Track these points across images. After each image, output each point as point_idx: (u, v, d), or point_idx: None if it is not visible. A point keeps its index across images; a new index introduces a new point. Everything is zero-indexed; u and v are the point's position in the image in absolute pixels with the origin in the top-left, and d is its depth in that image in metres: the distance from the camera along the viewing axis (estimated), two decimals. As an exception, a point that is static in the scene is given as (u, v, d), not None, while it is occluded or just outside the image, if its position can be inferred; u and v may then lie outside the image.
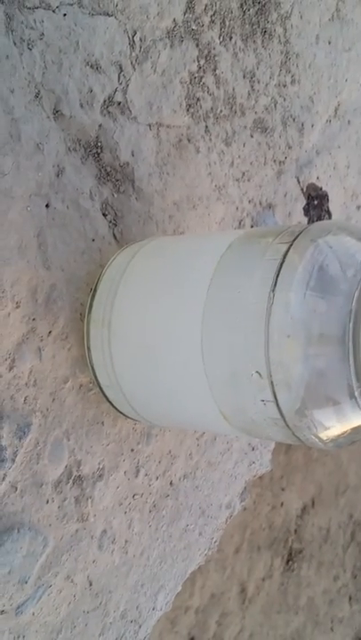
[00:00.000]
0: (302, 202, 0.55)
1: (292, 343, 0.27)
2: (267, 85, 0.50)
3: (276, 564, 0.73)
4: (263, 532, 0.68)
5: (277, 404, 0.28)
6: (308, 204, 0.56)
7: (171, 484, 0.42)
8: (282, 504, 0.72)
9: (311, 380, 0.28)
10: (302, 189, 0.55)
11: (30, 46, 0.32)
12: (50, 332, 0.33)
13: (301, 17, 0.53)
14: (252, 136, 0.49)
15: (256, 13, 0.48)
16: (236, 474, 0.48)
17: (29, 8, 0.32)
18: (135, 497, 0.39)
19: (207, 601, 0.86)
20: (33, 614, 0.33)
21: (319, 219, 0.58)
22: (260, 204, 0.50)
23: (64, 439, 0.34)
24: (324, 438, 0.29)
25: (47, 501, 0.33)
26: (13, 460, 0.31)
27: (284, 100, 0.52)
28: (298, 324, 0.27)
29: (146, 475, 0.40)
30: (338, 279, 0.28)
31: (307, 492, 0.77)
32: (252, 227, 0.49)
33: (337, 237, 0.29)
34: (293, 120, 0.53)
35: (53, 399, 0.34)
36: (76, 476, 0.35)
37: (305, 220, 0.56)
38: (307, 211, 0.56)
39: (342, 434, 0.29)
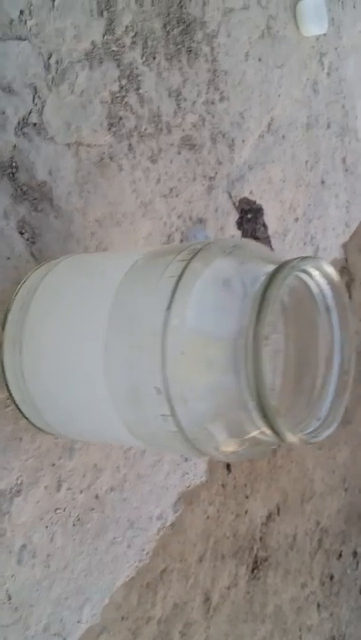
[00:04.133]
0: (235, 216, 0.56)
1: (186, 359, 0.28)
2: (194, 103, 0.51)
3: (242, 573, 0.73)
4: (227, 541, 0.68)
5: (176, 419, 0.29)
6: (241, 217, 0.57)
7: (96, 497, 0.42)
8: (246, 512, 0.73)
9: (206, 395, 0.29)
10: (234, 204, 0.56)
11: None
12: None
13: (229, 35, 0.54)
14: (179, 153, 0.50)
15: (181, 33, 0.49)
16: (167, 485, 0.48)
17: None
18: (57, 511, 0.39)
19: (170, 611, 0.86)
20: None
21: (254, 232, 0.59)
22: (191, 218, 0.51)
23: (-21, 456, 0.35)
24: (224, 450, 0.30)
25: None
26: None
27: (213, 117, 0.53)
28: (191, 340, 0.28)
29: (69, 489, 0.40)
30: (232, 297, 0.29)
31: (272, 500, 0.78)
32: (181, 241, 0.50)
33: (234, 256, 0.30)
34: (223, 136, 0.54)
35: (-33, 416, 0.34)
36: (-8, 492, 0.35)
37: (238, 233, 0.57)
38: (240, 224, 0.57)
39: (241, 445, 0.30)
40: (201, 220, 0.52)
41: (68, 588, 0.40)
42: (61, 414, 0.34)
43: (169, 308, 0.28)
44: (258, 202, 0.60)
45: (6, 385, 0.35)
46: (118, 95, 0.44)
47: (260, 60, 0.58)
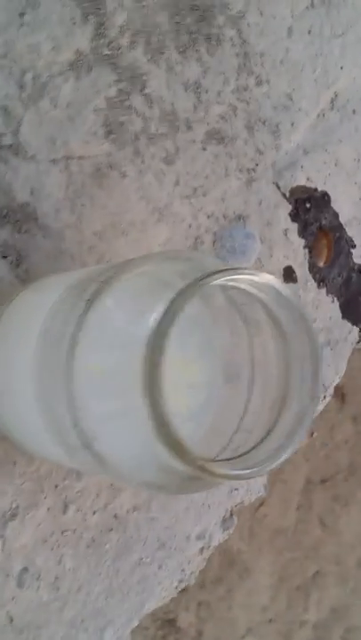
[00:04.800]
0: (286, 208, 0.51)
1: (89, 389, 0.26)
2: (220, 93, 0.47)
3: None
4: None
5: (92, 451, 0.27)
6: (296, 208, 0.52)
7: (115, 516, 0.41)
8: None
9: (110, 424, 0.26)
10: (284, 194, 0.51)
11: None
12: None
13: (262, 13, 0.50)
14: (204, 149, 0.47)
15: (195, 21, 0.46)
16: (209, 502, 0.46)
17: None
18: (65, 533, 0.39)
19: (327, 615, 0.83)
20: None
21: (318, 222, 0.54)
22: (225, 217, 0.48)
23: (-36, 481, 0.35)
24: (151, 484, 0.27)
25: None
26: None
27: (248, 104, 0.49)
28: (91, 371, 0.26)
29: (78, 510, 0.39)
30: (127, 329, 0.26)
31: None
32: (214, 242, 0.47)
33: (133, 281, 0.27)
34: (263, 123, 0.50)
35: None
36: (-18, 517, 0.36)
37: (294, 226, 0.52)
38: (295, 216, 0.52)
39: (170, 479, 0.27)
40: (240, 217, 0.49)
41: (84, 611, 0.40)
42: (23, 441, 0.33)
43: (72, 339, 0.26)
44: (320, 188, 0.54)
45: (-15, 410, 0.35)
46: (117, 100, 0.42)
47: (309, 32, 0.53)
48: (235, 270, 0.24)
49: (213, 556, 0.65)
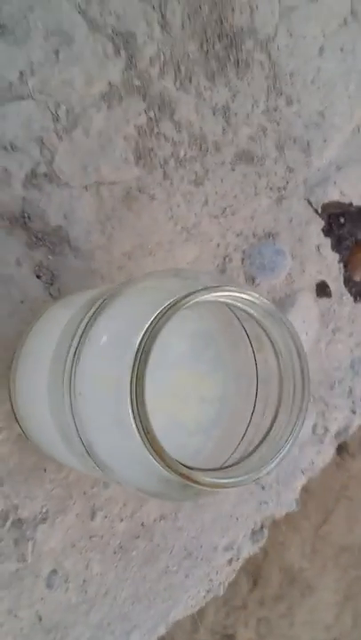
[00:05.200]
0: (319, 223, 0.52)
1: (84, 401, 0.28)
2: (248, 116, 0.49)
3: None
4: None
5: (94, 459, 0.29)
6: (329, 224, 0.53)
7: (142, 525, 0.43)
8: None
9: (102, 436, 0.28)
10: (316, 210, 0.52)
11: None
12: (-25, 391, 0.38)
13: (291, 35, 0.51)
14: (233, 170, 0.48)
15: (224, 48, 0.48)
16: (237, 515, 0.47)
17: None
18: (93, 539, 0.41)
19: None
20: (-30, 644, 0.37)
21: (354, 236, 0.54)
22: (255, 235, 0.49)
23: (-3, 486, 0.38)
24: (147, 491, 0.29)
25: (-21, 543, 0.37)
26: None
27: (278, 124, 0.50)
28: (88, 382, 0.28)
29: (106, 517, 0.41)
30: (123, 343, 0.28)
31: None
32: (242, 260, 0.49)
33: (132, 298, 0.29)
34: (294, 141, 0.51)
35: (-15, 450, 0.38)
36: (14, 520, 0.38)
37: (327, 241, 0.53)
38: (328, 231, 0.53)
39: (162, 487, 0.29)
40: (270, 235, 0.50)
41: (110, 614, 0.42)
42: (48, 449, 0.36)
43: (75, 352, 0.28)
44: (355, 203, 0.54)
45: (17, 420, 0.38)
46: (146, 128, 0.44)
47: (342, 50, 0.54)
48: (215, 289, 0.25)
49: (272, 575, 0.67)
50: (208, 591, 0.46)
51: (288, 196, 0.51)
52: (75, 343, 0.28)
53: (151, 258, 0.44)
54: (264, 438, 0.28)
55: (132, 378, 0.25)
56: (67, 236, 0.41)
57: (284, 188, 0.50)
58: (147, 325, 0.25)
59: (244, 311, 0.28)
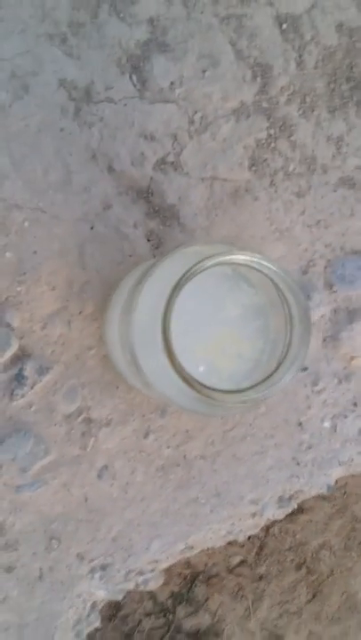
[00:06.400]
0: None
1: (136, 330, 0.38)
2: (359, 149, 0.57)
3: None
4: None
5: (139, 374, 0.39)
6: None
7: (184, 457, 0.52)
8: None
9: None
10: None
11: (90, 126, 0.49)
12: (81, 312, 0.49)
13: None
14: (335, 191, 0.56)
15: (350, 89, 0.56)
16: (269, 477, 0.54)
17: (95, 102, 0.50)
18: (141, 453, 0.51)
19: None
20: (30, 498, 0.49)
21: None
22: (342, 249, 0.57)
23: (79, 388, 0.49)
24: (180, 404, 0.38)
25: (55, 424, 0.49)
26: (32, 387, 0.48)
27: (385, 160, 0.57)
28: (139, 329, 0.38)
29: (156, 440, 0.51)
30: (162, 295, 0.37)
31: None
32: (325, 268, 0.56)
33: (177, 259, 0.38)
34: None
35: (77, 358, 0.49)
36: (85, 417, 0.50)
37: None
38: None
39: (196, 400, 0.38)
40: (356, 253, 0.57)
41: (141, 518, 0.51)
42: (122, 372, 0.46)
43: (133, 303, 0.39)
44: None
45: (104, 343, 0.49)
46: (265, 142, 0.54)
47: None
48: (232, 252, 0.35)
49: (333, 595, 0.74)
50: (228, 532, 0.54)
51: (381, 223, 0.58)
52: (142, 282, 0.38)
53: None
54: (267, 377, 0.37)
55: (163, 317, 0.34)
56: (177, 214, 0.52)
57: (379, 216, 0.57)
58: (178, 277, 0.35)
59: (260, 270, 0.36)
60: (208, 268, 0.36)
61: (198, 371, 0.41)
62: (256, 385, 0.36)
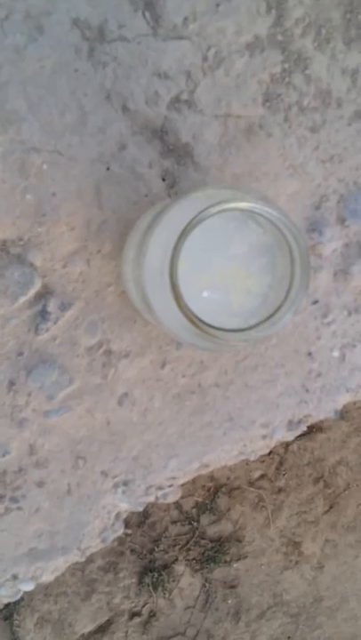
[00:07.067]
0: None
1: (146, 261, 0.40)
2: (376, 80, 0.56)
3: None
4: None
5: (149, 309, 0.42)
6: None
7: (199, 385, 0.56)
8: None
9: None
10: None
11: (104, 66, 0.50)
12: (99, 251, 0.52)
13: None
14: (349, 125, 0.57)
15: (368, 17, 0.55)
16: (279, 402, 0.58)
17: (108, 41, 0.50)
18: (159, 382, 0.55)
19: None
20: (57, 422, 0.53)
21: None
22: (355, 184, 0.57)
23: (99, 322, 0.53)
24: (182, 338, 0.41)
25: (78, 356, 0.53)
26: (55, 322, 0.52)
27: None
28: (149, 268, 0.40)
29: (172, 370, 0.55)
30: (172, 236, 0.39)
31: None
32: (338, 203, 0.57)
33: (190, 201, 0.40)
34: None
35: (96, 295, 0.53)
36: (105, 349, 0.53)
37: None
38: None
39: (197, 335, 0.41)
40: (370, 187, 0.58)
41: (159, 439, 0.56)
42: (139, 308, 0.49)
43: (145, 243, 0.41)
44: None
45: (122, 280, 0.52)
46: (279, 76, 0.54)
47: None
48: (236, 199, 0.36)
49: (349, 506, 0.78)
50: (240, 453, 0.58)
51: (395, 157, 0.58)
52: (152, 226, 0.41)
53: (256, 184, 0.55)
54: (267, 318, 0.39)
55: (171, 257, 0.37)
56: (191, 152, 0.53)
57: (394, 149, 0.58)
58: (185, 224, 0.37)
59: (262, 216, 0.38)
60: (212, 215, 0.37)
61: (208, 307, 0.43)
62: (257, 325, 0.39)
